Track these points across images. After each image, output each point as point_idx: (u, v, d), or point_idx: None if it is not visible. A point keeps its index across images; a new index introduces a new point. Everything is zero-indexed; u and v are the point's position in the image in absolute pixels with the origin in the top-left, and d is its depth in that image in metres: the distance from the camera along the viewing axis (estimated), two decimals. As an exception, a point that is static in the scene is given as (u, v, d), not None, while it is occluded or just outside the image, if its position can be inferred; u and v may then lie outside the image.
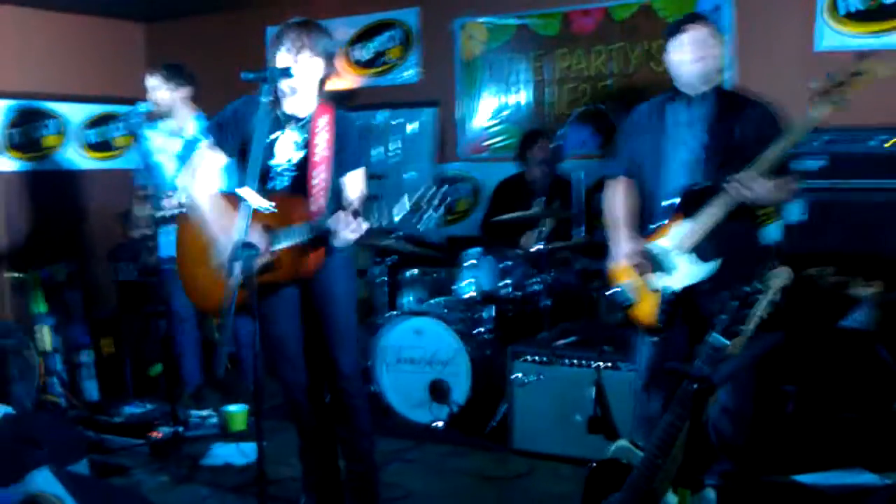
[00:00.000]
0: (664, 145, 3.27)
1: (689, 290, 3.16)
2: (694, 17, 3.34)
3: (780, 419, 3.65)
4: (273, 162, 3.25)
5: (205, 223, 3.22)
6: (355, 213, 2.97)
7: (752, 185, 2.94)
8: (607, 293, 3.41)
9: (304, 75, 3.17)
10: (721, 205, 3.04)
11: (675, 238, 3.16)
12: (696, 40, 3.20)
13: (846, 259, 3.86)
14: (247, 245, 2.98)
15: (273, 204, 3.10)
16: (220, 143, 3.26)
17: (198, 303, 3.46)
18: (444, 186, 3.04)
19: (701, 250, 3.11)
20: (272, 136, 3.25)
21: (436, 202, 3.01)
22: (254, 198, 3.07)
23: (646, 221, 3.32)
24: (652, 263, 3.21)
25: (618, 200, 3.42)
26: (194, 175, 3.27)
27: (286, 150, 3.26)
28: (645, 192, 3.35)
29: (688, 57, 3.21)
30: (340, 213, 2.96)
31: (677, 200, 3.18)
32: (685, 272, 3.15)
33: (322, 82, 3.25)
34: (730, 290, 2.91)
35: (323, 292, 3.32)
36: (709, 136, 3.19)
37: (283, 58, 3.16)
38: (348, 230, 2.95)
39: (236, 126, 3.23)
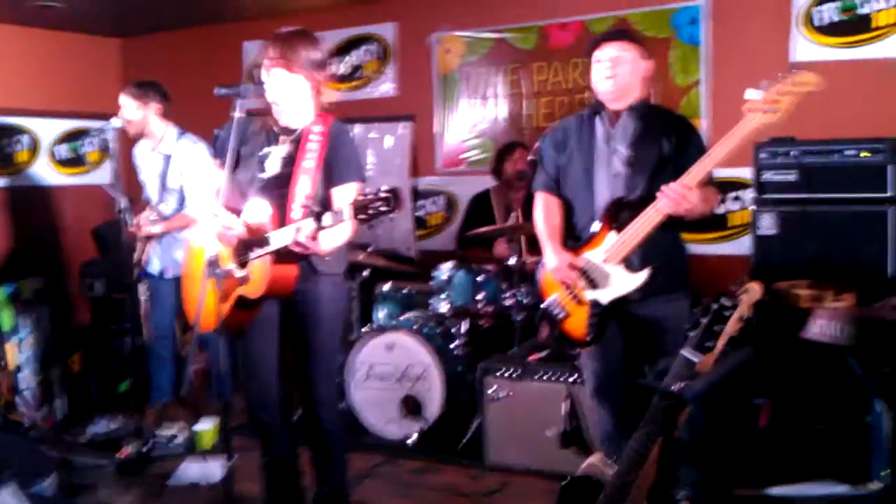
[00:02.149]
0: (591, 159, 3.28)
1: (618, 301, 3.17)
2: (611, 35, 3.36)
3: (751, 432, 3.64)
4: (263, 175, 3.19)
5: (200, 240, 3.20)
6: (314, 220, 2.86)
7: (686, 195, 2.95)
8: (539, 308, 3.41)
9: (287, 88, 3.13)
10: (652, 216, 3.04)
11: (603, 251, 3.16)
12: (607, 57, 3.22)
13: (819, 271, 3.86)
14: (212, 262, 2.96)
15: (241, 223, 3.08)
16: (221, 153, 3.22)
17: (192, 320, 3.35)
18: (387, 192, 2.85)
19: (629, 262, 3.12)
20: (265, 151, 3.21)
21: (377, 208, 2.88)
22: (223, 215, 3.05)
23: (575, 235, 3.33)
24: (580, 277, 3.20)
25: (543, 214, 3.41)
26: (208, 194, 3.21)
27: (275, 162, 3.20)
28: (574, 206, 3.35)
29: (599, 74, 3.25)
30: (303, 221, 2.89)
31: (604, 214, 3.19)
32: (614, 284, 3.15)
33: (314, 94, 3.18)
34: (661, 296, 3.10)
35: (306, 314, 3.23)
36: (633, 150, 3.20)
37: (266, 71, 3.12)
38: (299, 242, 2.87)
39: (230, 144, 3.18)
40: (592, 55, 3.27)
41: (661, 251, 3.14)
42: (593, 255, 3.19)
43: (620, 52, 3.21)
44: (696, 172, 2.97)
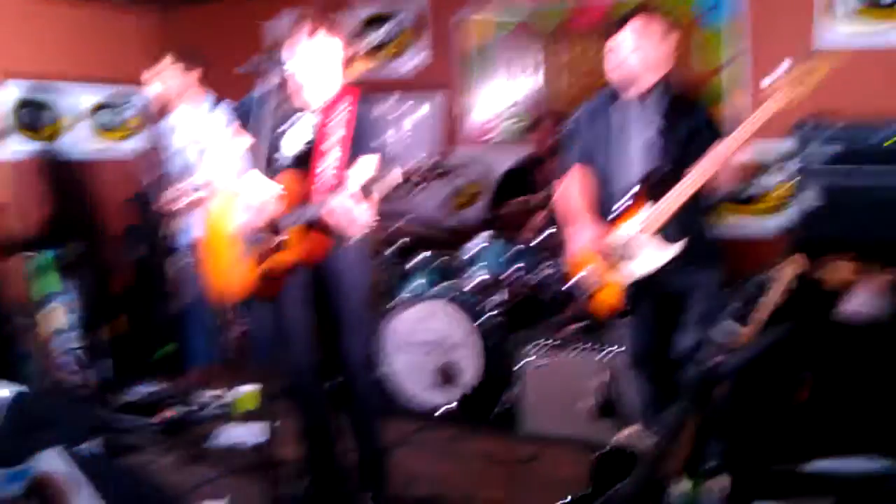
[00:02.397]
0: (619, 135, 3.29)
1: (652, 272, 3.19)
2: (624, 18, 3.28)
3: (792, 407, 3.64)
4: (287, 148, 3.25)
5: (227, 206, 3.22)
6: (364, 192, 2.95)
7: (729, 162, 2.98)
8: (573, 280, 3.43)
9: (326, 54, 3.15)
10: (687, 186, 3.06)
11: (639, 221, 3.18)
12: (619, 43, 3.22)
13: (862, 245, 3.83)
14: (252, 229, 3.02)
15: (282, 187, 3.14)
16: (245, 126, 3.27)
17: (219, 288, 3.45)
18: (436, 157, 2.97)
19: (665, 233, 3.14)
20: (283, 127, 3.25)
21: (429, 173, 2.96)
22: (259, 182, 3.10)
23: (603, 211, 3.34)
24: (616, 249, 3.23)
25: (576, 188, 3.43)
26: (222, 159, 3.26)
27: (301, 135, 3.25)
28: (606, 180, 3.36)
29: (611, 63, 3.25)
30: (342, 194, 2.95)
31: (640, 186, 3.20)
32: (650, 256, 3.18)
33: (343, 66, 3.22)
34: (695, 268, 3.15)
35: (335, 280, 3.31)
36: (666, 121, 3.21)
37: (308, 37, 3.15)
38: (352, 211, 2.94)
39: (250, 116, 3.23)
40: (611, 39, 3.25)
41: (695, 224, 3.16)
42: (628, 227, 3.21)
43: (643, 28, 3.20)
44: (729, 145, 2.98)
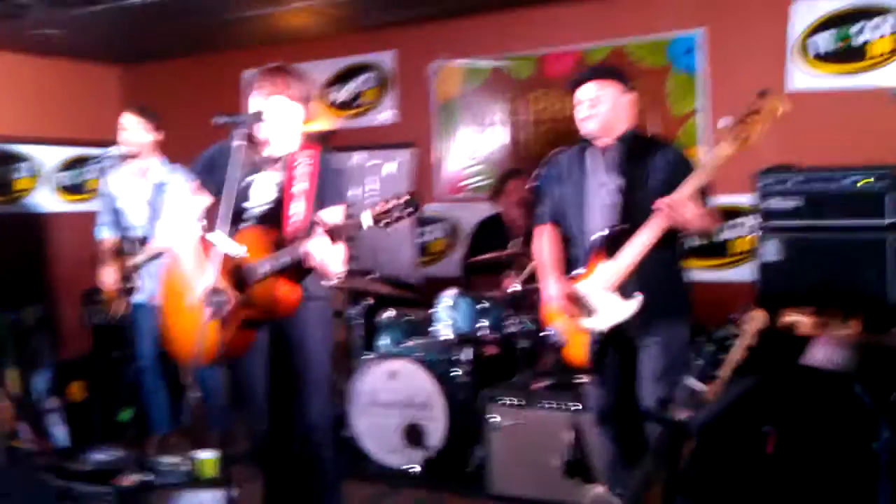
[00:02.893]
0: (584, 191, 3.35)
1: (617, 328, 3.21)
2: (587, 75, 3.37)
3: (758, 461, 3.61)
4: (248, 204, 3.24)
5: (186, 268, 3.20)
6: (332, 234, 2.96)
7: (683, 208, 2.99)
8: (541, 336, 3.48)
9: (279, 119, 3.17)
10: (643, 239, 3.08)
11: (598, 279, 3.21)
12: (586, 97, 3.29)
13: (822, 298, 3.86)
14: (216, 290, 2.96)
15: (244, 248, 3.11)
16: (205, 184, 3.26)
17: (176, 349, 3.39)
18: (407, 196, 2.97)
19: (623, 289, 3.16)
20: (248, 179, 3.24)
21: (399, 212, 2.96)
22: (224, 242, 3.06)
23: (572, 265, 3.39)
24: (579, 305, 3.26)
25: (545, 246, 3.49)
26: (178, 219, 3.23)
27: (262, 191, 3.25)
28: (570, 237, 3.43)
29: (580, 115, 3.32)
30: (316, 237, 2.96)
31: (598, 243, 3.25)
32: (610, 312, 3.20)
33: (302, 125, 3.25)
34: (659, 323, 3.14)
35: (297, 338, 3.26)
36: (624, 180, 3.25)
37: (258, 102, 3.18)
38: (327, 253, 2.94)
39: (210, 173, 3.23)
40: (574, 96, 3.33)
41: (658, 278, 3.17)
42: (589, 284, 3.25)
43: (599, 90, 3.28)
44: (682, 192, 3.00)
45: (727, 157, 2.97)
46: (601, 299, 3.21)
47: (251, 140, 3.19)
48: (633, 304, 3.14)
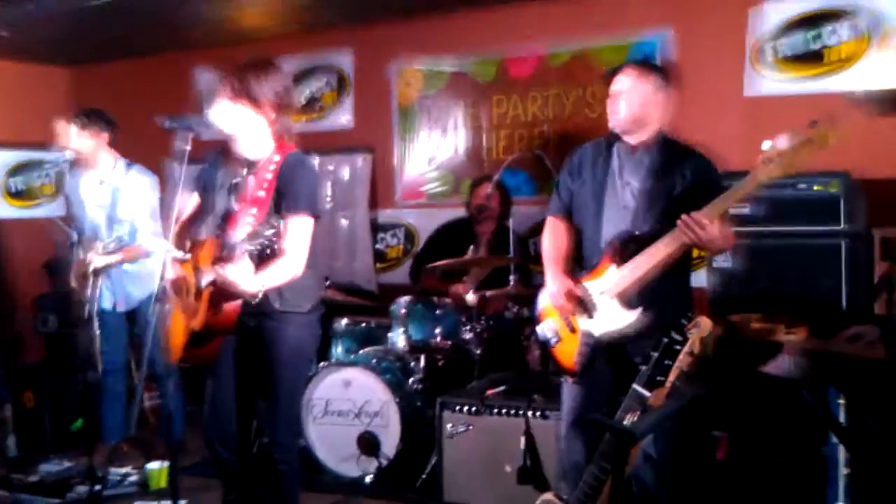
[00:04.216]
0: (604, 188, 3.24)
1: (612, 336, 3.13)
2: (625, 66, 3.30)
3: (708, 466, 3.63)
4: (226, 207, 3.16)
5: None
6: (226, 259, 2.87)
7: (706, 225, 2.88)
8: (536, 332, 3.38)
9: (232, 119, 3.10)
10: (657, 252, 3.00)
11: (603, 282, 3.14)
12: (617, 89, 3.22)
13: (775, 304, 3.87)
14: (158, 297, 2.92)
15: (186, 254, 3.05)
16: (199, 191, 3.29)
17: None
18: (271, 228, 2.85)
19: (625, 298, 3.08)
20: (229, 182, 3.19)
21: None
22: (168, 248, 3.01)
23: (582, 262, 3.29)
24: (577, 305, 3.18)
25: (550, 239, 3.40)
26: (174, 226, 3.16)
27: (233, 194, 3.17)
28: (582, 234, 3.32)
29: (610, 106, 3.24)
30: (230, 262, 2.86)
31: (608, 246, 3.16)
32: (607, 318, 3.13)
33: (269, 124, 3.14)
34: (654, 338, 2.90)
35: (263, 352, 3.17)
36: (645, 184, 3.17)
37: (218, 103, 3.10)
38: (235, 276, 2.83)
39: (203, 175, 3.27)
40: (609, 87, 3.25)
41: (663, 293, 3.08)
42: (592, 286, 3.17)
43: (631, 83, 3.19)
44: (712, 208, 2.91)
45: (768, 181, 2.87)
46: (602, 304, 3.13)
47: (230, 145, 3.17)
48: (632, 316, 3.07)
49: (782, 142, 2.83)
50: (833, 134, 2.80)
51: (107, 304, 4.68)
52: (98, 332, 4.75)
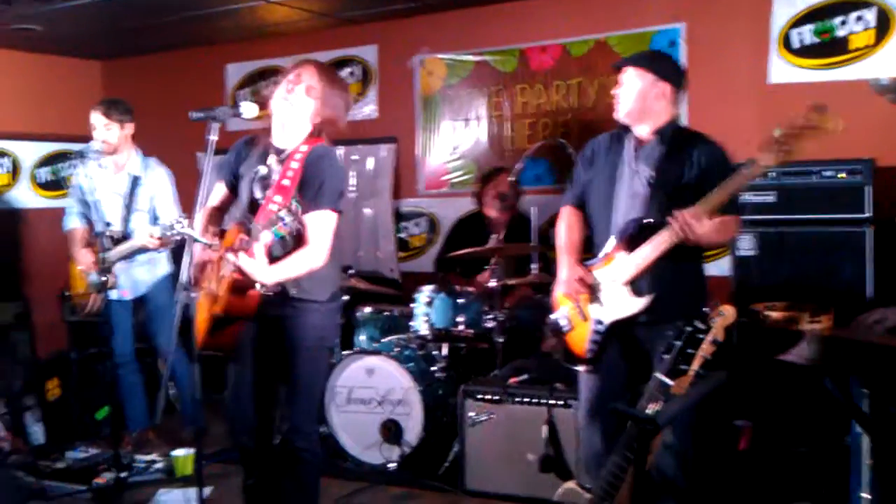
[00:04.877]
0: (615, 177, 3.27)
1: (624, 324, 3.16)
2: (624, 61, 3.36)
3: (730, 455, 3.62)
4: (257, 195, 3.18)
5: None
6: (243, 247, 2.89)
7: (695, 224, 2.92)
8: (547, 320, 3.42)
9: (292, 112, 3.14)
10: (661, 241, 3.03)
11: (613, 270, 3.17)
12: (622, 82, 3.27)
13: (796, 292, 3.85)
14: (185, 284, 2.95)
15: (215, 241, 3.09)
16: (222, 175, 3.33)
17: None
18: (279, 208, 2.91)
19: (636, 285, 3.12)
20: (259, 170, 3.20)
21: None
22: (196, 234, 3.04)
23: (593, 251, 3.33)
24: (588, 293, 3.22)
25: (563, 228, 3.44)
26: (199, 213, 3.20)
27: (261, 184, 3.19)
28: (595, 223, 3.36)
29: (615, 99, 3.29)
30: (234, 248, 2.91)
31: (619, 234, 3.19)
32: (618, 305, 3.16)
33: (312, 117, 3.18)
34: (668, 325, 2.88)
35: (283, 340, 3.19)
36: (656, 172, 3.18)
37: (279, 94, 3.17)
38: (246, 264, 2.87)
39: (226, 166, 3.30)
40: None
41: (673, 279, 3.10)
42: (603, 274, 3.21)
43: (629, 76, 3.24)
44: (708, 200, 2.93)
45: (767, 168, 2.88)
46: (612, 291, 3.17)
47: (266, 133, 3.21)
48: (641, 303, 3.09)
49: (777, 131, 2.84)
50: (832, 121, 2.80)
51: (114, 295, 4.68)
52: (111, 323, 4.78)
